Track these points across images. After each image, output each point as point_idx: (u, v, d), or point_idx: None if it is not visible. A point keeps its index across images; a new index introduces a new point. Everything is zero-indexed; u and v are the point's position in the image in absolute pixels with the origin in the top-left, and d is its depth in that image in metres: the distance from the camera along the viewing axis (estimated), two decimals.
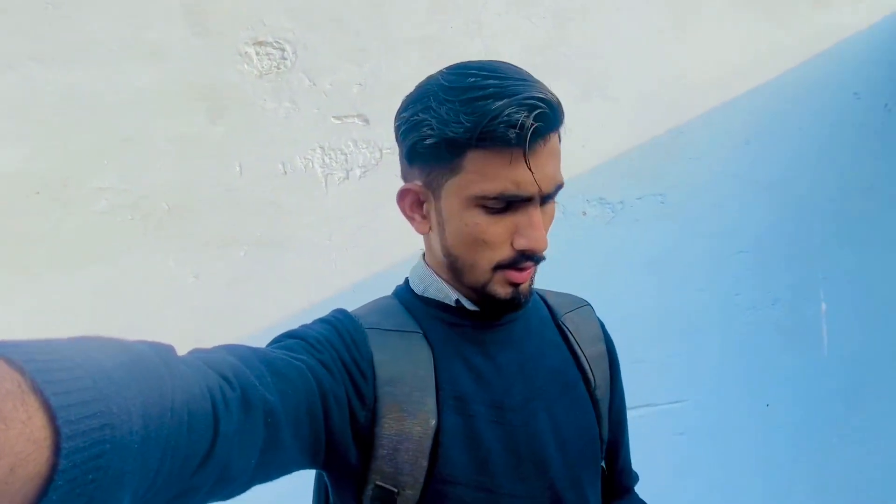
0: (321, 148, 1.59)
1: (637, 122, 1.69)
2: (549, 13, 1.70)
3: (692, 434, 1.71)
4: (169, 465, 0.36)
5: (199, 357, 0.46)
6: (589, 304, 0.83)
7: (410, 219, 0.68)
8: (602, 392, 0.76)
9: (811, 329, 1.79)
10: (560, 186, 0.62)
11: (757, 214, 1.73)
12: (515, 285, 0.64)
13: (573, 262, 1.55)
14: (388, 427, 0.61)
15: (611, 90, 1.69)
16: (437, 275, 0.70)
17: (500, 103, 0.55)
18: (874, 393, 1.81)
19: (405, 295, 0.73)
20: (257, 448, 0.47)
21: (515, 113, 0.55)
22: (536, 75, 0.61)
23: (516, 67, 0.60)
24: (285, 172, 1.57)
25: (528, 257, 0.62)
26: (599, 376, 0.76)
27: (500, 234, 0.61)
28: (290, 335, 0.62)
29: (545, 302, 0.79)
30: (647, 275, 1.69)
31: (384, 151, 1.62)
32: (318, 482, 0.79)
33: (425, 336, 0.66)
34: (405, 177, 0.68)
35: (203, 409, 0.40)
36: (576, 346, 0.76)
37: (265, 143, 1.56)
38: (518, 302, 0.65)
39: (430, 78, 0.64)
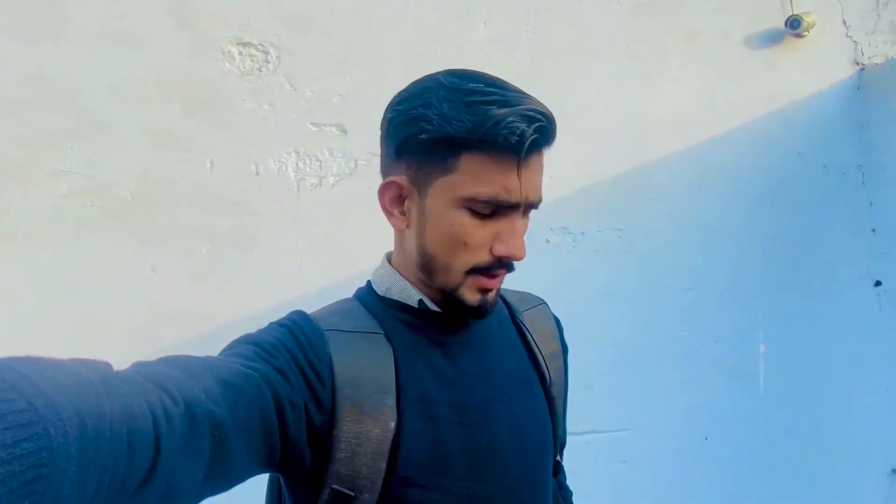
0: (296, 153, 1.60)
1: (601, 160, 1.78)
2: (529, 49, 1.78)
3: (634, 463, 1.76)
4: (107, 487, 0.35)
5: (140, 372, 0.44)
6: (545, 303, 0.85)
7: (388, 213, 0.67)
8: (557, 390, 0.78)
9: (749, 368, 1.89)
10: (540, 202, 0.64)
11: (705, 256, 1.84)
12: (484, 292, 0.65)
13: (533, 285, 1.60)
14: (347, 429, 0.60)
15: (580, 127, 1.77)
16: (402, 276, 0.69)
17: (503, 111, 0.57)
18: (804, 432, 1.92)
19: (367, 297, 0.72)
20: (204, 463, 0.45)
21: (518, 122, 0.56)
22: None
23: (512, 84, 0.62)
24: (257, 173, 1.57)
25: (503, 264, 0.63)
26: (555, 374, 0.77)
27: (481, 238, 0.62)
28: (244, 341, 0.60)
29: (504, 300, 0.80)
30: (601, 303, 1.76)
31: (359, 162, 1.64)
32: (272, 484, 0.77)
33: (387, 337, 0.66)
34: (388, 171, 0.67)
35: (143, 427, 0.39)
36: (533, 345, 0.76)
37: (239, 143, 1.56)
38: (484, 310, 0.66)
39: (427, 78, 0.63)
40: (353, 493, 0.60)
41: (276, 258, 1.56)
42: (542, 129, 0.58)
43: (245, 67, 1.59)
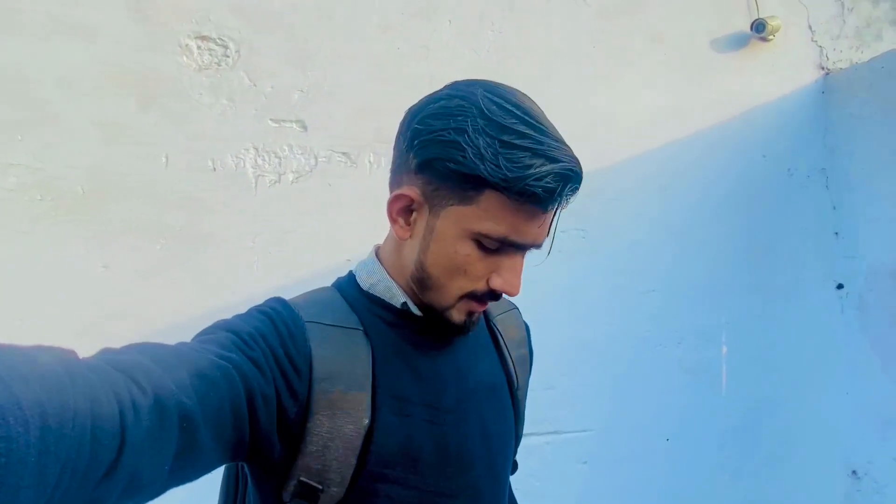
0: (255, 149, 1.58)
1: None
2: (494, 48, 1.78)
3: (595, 463, 1.76)
4: (69, 478, 0.34)
5: (108, 360, 0.44)
6: (517, 308, 0.87)
7: (393, 221, 0.67)
8: (522, 393, 0.81)
9: (712, 370, 1.90)
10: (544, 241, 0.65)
11: (668, 257, 1.84)
12: (470, 314, 0.66)
13: None
14: (321, 423, 0.60)
15: None
16: (390, 275, 0.69)
17: (541, 164, 0.56)
18: (765, 433, 1.94)
19: (348, 289, 0.71)
20: (171, 454, 0.45)
21: (552, 182, 0.56)
22: None
23: (545, 117, 0.61)
24: (214, 169, 1.55)
25: (495, 295, 0.65)
26: (521, 378, 0.80)
27: (482, 270, 0.63)
28: (223, 327, 0.59)
29: None
30: (564, 304, 1.75)
31: (319, 160, 1.62)
32: (228, 473, 0.78)
33: (366, 333, 0.66)
34: (402, 178, 0.66)
35: (109, 418, 0.38)
36: (504, 349, 0.79)
37: (196, 138, 1.53)
38: (467, 329, 0.68)
39: (464, 90, 0.62)
40: (321, 487, 0.61)
41: (232, 256, 1.54)
42: (573, 190, 0.59)
43: (203, 62, 1.56)
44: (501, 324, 0.81)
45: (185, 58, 1.55)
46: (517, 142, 0.56)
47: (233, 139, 1.56)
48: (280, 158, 1.59)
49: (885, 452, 1.92)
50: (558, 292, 1.76)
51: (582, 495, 1.77)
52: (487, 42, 1.77)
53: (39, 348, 0.38)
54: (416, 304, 0.68)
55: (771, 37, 1.95)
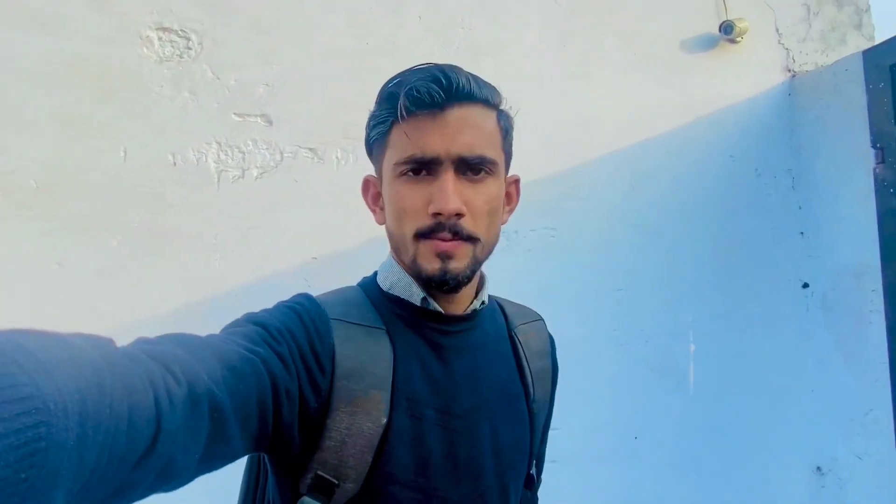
0: (217, 143, 1.55)
1: (536, 159, 1.78)
2: (465, 45, 1.77)
3: (563, 462, 1.75)
4: (106, 462, 0.35)
5: (144, 349, 0.44)
6: (542, 319, 0.86)
7: (372, 211, 0.73)
8: (539, 407, 0.78)
9: (679, 368, 1.91)
10: (482, 159, 0.64)
11: (637, 256, 1.85)
12: (443, 259, 0.64)
13: None
14: (340, 420, 0.61)
15: (515, 125, 1.76)
16: (406, 272, 0.70)
17: (408, 78, 0.62)
18: (732, 431, 1.95)
19: (371, 288, 0.73)
20: (202, 443, 0.46)
21: (417, 83, 0.61)
22: None
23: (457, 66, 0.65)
24: (175, 164, 1.51)
25: (444, 226, 0.63)
26: (539, 391, 0.78)
27: (417, 201, 0.64)
28: (251, 320, 0.60)
29: (503, 311, 0.81)
30: (533, 302, 1.74)
31: (285, 155, 1.59)
32: (250, 464, 0.79)
33: (388, 334, 0.67)
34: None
35: (145, 405, 0.39)
36: (523, 360, 0.78)
37: (156, 131, 1.50)
38: (446, 280, 0.64)
39: None
40: (336, 482, 0.62)
41: (193, 253, 1.51)
42: (439, 83, 0.61)
43: (164, 53, 1.52)
44: (523, 334, 0.80)
45: (145, 49, 1.51)
46: (400, 78, 0.64)
47: (195, 133, 1.53)
48: (244, 153, 1.56)
49: (848, 449, 1.95)
50: (527, 290, 1.74)
51: (550, 494, 1.76)
52: (458, 39, 1.76)
53: (78, 336, 0.38)
54: (432, 296, 0.69)
55: (739, 39, 1.97)
